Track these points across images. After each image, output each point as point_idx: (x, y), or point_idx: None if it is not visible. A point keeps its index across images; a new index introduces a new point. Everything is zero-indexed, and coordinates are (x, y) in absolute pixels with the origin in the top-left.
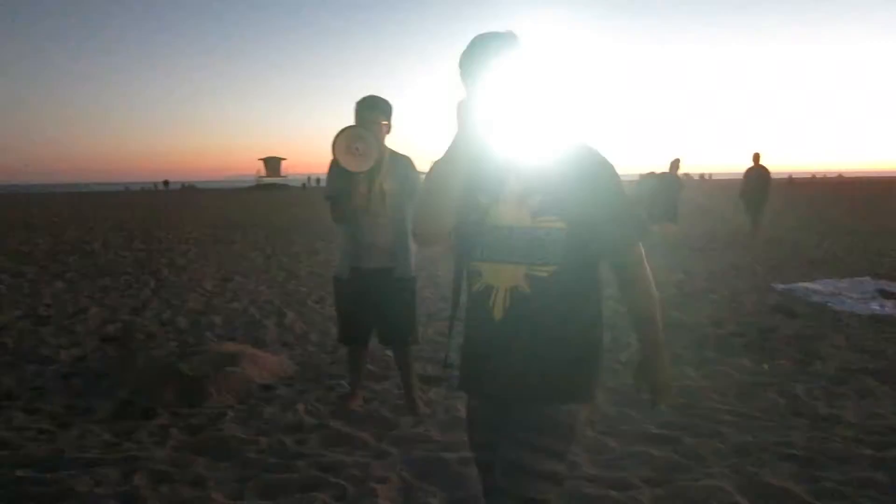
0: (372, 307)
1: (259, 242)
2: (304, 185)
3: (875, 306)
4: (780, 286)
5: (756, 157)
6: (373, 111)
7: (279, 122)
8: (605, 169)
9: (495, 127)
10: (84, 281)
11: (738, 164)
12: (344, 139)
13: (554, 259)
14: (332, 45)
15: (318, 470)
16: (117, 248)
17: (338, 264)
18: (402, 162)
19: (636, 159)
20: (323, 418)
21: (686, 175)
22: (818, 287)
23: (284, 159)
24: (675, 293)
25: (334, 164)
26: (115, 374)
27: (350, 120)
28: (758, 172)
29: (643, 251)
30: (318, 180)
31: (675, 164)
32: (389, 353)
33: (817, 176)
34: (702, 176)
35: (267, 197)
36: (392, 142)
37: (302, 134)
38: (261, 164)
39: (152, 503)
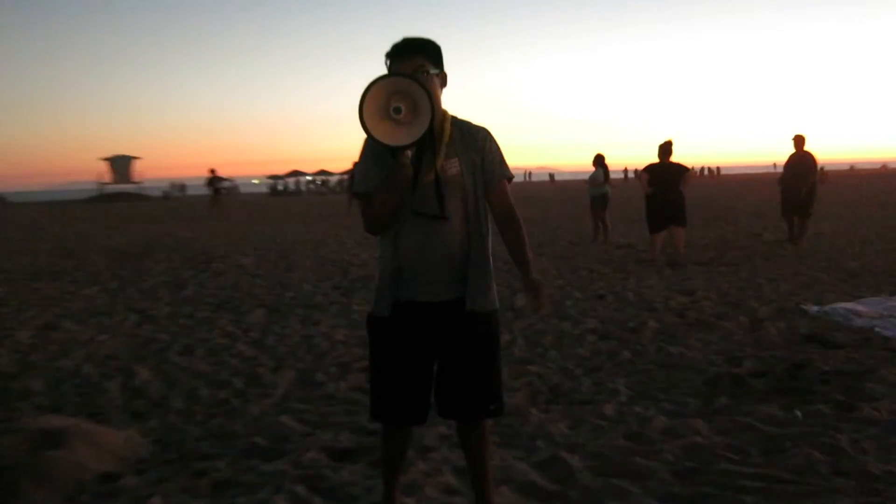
0: (431, 360)
1: (99, 274)
2: (165, 194)
3: None
4: (814, 308)
5: (799, 140)
6: (413, 55)
7: (131, 115)
8: None
9: None
10: None
11: (753, 157)
12: (375, 98)
13: None
14: (202, 12)
15: None
16: None
17: (374, 296)
18: (474, 135)
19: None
20: None
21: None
22: (862, 308)
23: (138, 159)
24: (675, 322)
25: (368, 142)
26: None
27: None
28: (800, 160)
29: None
30: (182, 187)
31: (667, 147)
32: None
33: (856, 167)
34: (708, 170)
35: (112, 210)
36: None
37: (162, 129)
38: (104, 166)
39: None
